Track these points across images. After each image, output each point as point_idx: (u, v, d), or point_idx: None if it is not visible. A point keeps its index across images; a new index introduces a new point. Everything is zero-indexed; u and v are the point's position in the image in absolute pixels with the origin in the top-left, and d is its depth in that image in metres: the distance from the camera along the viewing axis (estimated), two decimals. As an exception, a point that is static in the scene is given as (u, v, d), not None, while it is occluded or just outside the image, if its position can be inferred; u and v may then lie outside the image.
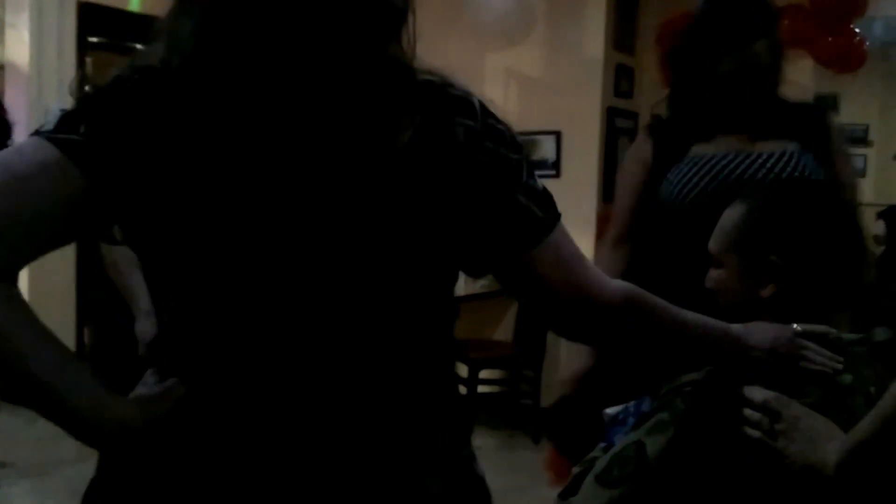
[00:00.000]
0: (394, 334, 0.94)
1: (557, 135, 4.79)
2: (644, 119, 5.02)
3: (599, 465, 1.23)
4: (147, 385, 0.95)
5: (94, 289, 4.92)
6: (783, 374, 1.19)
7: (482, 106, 0.95)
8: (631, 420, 1.36)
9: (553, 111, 4.77)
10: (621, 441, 1.25)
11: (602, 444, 1.36)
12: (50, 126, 0.87)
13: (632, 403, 1.41)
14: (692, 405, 1.20)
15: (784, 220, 1.28)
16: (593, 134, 4.73)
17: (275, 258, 0.88)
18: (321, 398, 0.91)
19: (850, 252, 1.30)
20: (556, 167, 4.78)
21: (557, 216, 0.99)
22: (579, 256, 1.01)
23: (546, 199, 0.98)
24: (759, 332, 1.21)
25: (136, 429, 0.89)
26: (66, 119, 0.87)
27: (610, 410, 1.43)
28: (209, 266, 0.89)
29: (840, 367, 1.20)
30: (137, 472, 0.95)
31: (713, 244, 1.35)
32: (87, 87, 0.92)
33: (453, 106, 0.92)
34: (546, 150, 4.80)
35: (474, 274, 1.01)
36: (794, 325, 1.22)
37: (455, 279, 0.99)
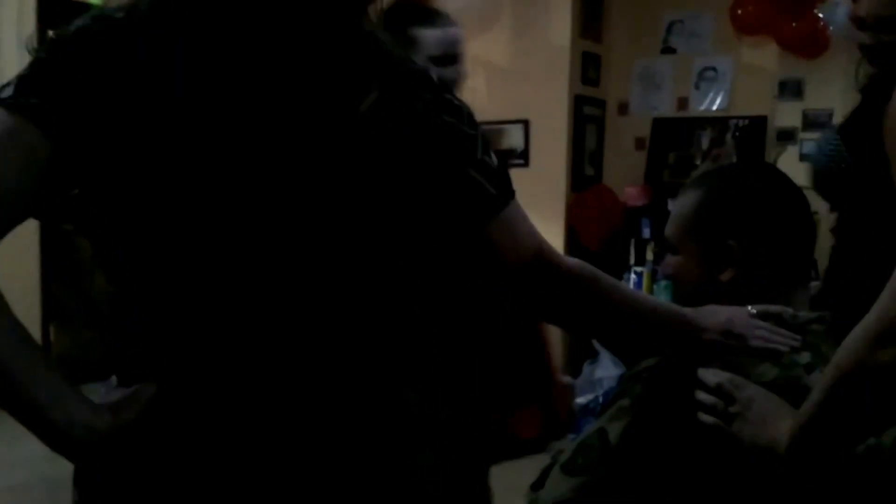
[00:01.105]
0: (359, 315, 0.93)
1: (525, 123, 4.79)
2: (612, 106, 5.03)
3: (565, 454, 1.23)
4: (111, 390, 0.92)
5: (60, 286, 4.88)
6: (738, 356, 1.20)
7: (440, 80, 0.96)
8: (598, 407, 1.37)
9: (521, 100, 4.76)
10: (586, 429, 1.25)
11: (572, 437, 1.36)
12: (9, 92, 0.84)
13: (601, 392, 1.42)
14: (647, 390, 1.21)
15: (738, 204, 1.29)
16: (561, 122, 4.73)
17: (235, 224, 0.87)
18: (291, 381, 0.91)
19: (804, 231, 1.31)
20: (524, 156, 4.78)
21: (511, 193, 0.99)
22: (533, 233, 1.03)
23: (500, 177, 0.98)
24: (713, 315, 1.22)
25: (104, 434, 0.84)
26: (24, 82, 0.85)
27: (580, 400, 1.44)
28: (172, 230, 0.87)
29: (797, 344, 1.21)
30: (114, 478, 0.92)
31: (669, 231, 1.35)
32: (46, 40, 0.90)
33: (413, 78, 0.94)
34: (514, 139, 4.79)
35: (435, 254, 1.01)
36: (749, 307, 1.23)
37: (419, 256, 0.99)
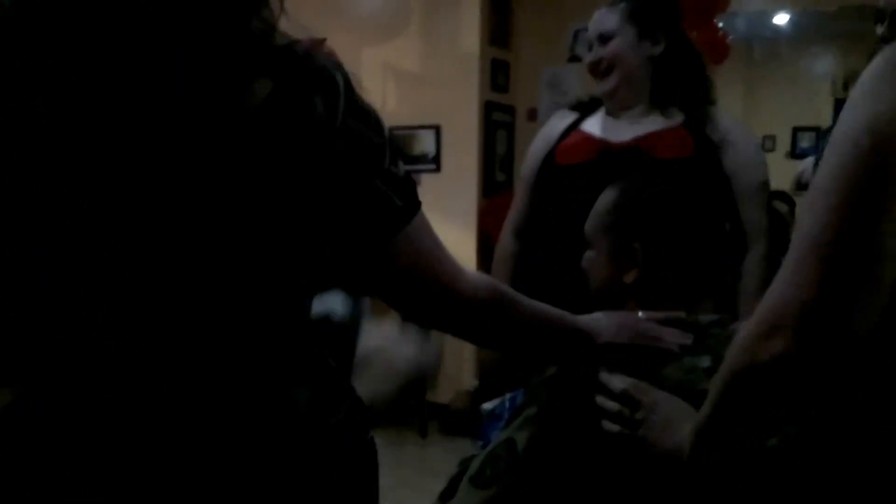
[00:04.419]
0: (242, 315, 0.88)
1: (437, 129, 4.80)
2: (521, 113, 5.09)
3: (474, 465, 1.23)
4: None
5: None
6: (640, 361, 1.22)
7: (347, 82, 0.89)
8: (506, 414, 1.38)
9: (431, 106, 4.77)
10: (494, 439, 1.25)
11: (479, 442, 1.36)
12: None
13: (507, 397, 1.42)
14: (548, 398, 1.22)
15: (645, 207, 1.32)
16: (472, 128, 4.75)
17: (106, 226, 0.82)
18: (166, 382, 0.86)
19: (709, 240, 1.34)
20: (436, 161, 4.79)
21: (417, 205, 0.96)
22: (439, 248, 1.00)
23: (407, 187, 0.95)
24: (604, 321, 1.25)
25: None
26: None
27: (487, 405, 1.44)
28: (37, 229, 0.83)
29: (688, 341, 1.23)
30: None
31: (587, 226, 1.37)
32: None
33: (313, 77, 0.87)
34: (426, 144, 4.79)
35: (333, 270, 0.97)
36: (639, 313, 1.26)
37: (315, 262, 0.93)
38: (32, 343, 0.87)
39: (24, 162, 0.82)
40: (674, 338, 1.24)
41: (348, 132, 0.88)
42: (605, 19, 2.20)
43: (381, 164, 0.92)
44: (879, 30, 1.33)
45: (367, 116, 0.91)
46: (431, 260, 0.99)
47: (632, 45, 2.16)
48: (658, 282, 1.30)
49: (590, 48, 2.24)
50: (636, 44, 2.16)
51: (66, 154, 0.82)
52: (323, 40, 2.07)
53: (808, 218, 0.90)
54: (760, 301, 0.95)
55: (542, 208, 2.33)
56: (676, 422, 1.10)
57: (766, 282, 2.02)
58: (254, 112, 0.83)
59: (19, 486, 0.86)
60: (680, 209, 1.33)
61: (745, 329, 0.97)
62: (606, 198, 1.36)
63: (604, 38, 2.18)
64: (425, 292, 1.00)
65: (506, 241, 2.46)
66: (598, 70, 2.20)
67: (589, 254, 1.37)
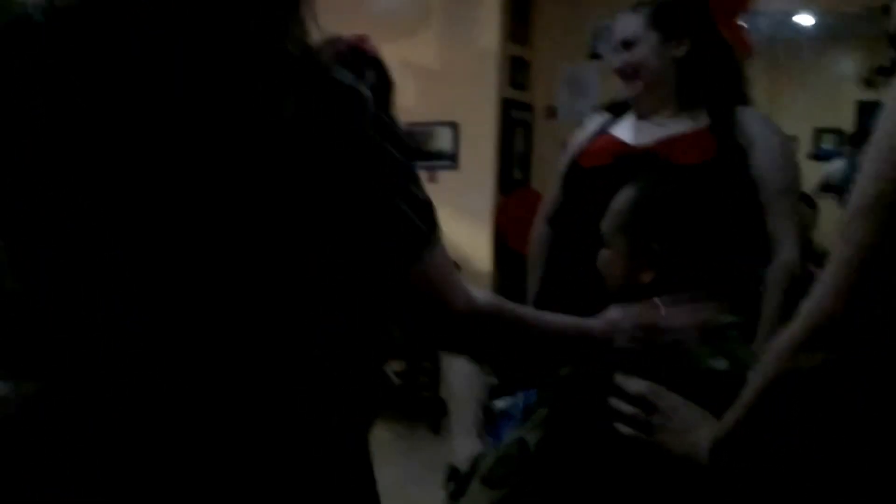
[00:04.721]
0: (264, 332, 0.88)
1: (454, 126, 4.79)
2: (539, 110, 5.07)
3: (485, 464, 1.22)
4: None
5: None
6: (655, 364, 1.20)
7: (373, 99, 0.88)
8: (519, 413, 1.36)
9: (450, 102, 4.76)
10: (506, 438, 1.24)
11: (491, 440, 1.35)
12: None
13: (520, 395, 1.41)
14: (559, 400, 1.21)
15: (664, 208, 1.30)
16: (490, 125, 4.74)
17: (136, 236, 0.83)
18: (184, 393, 0.86)
19: (726, 242, 1.33)
20: (453, 158, 4.78)
21: (438, 231, 0.94)
22: (452, 271, 0.98)
23: (429, 212, 0.93)
24: (621, 322, 1.23)
25: None
26: None
27: (499, 403, 1.43)
28: (72, 231, 0.83)
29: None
30: None
31: (604, 224, 1.36)
32: None
33: (340, 94, 0.87)
34: (443, 141, 4.79)
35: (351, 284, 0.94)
36: (660, 307, 1.24)
37: (333, 284, 0.92)
38: (36, 341, 0.87)
39: (37, 163, 0.82)
40: (691, 331, 1.22)
41: (372, 147, 0.87)
42: (627, 25, 2.19)
43: (405, 184, 0.90)
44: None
45: (393, 133, 0.90)
46: (446, 286, 0.97)
47: (655, 50, 2.14)
48: (674, 283, 1.28)
49: (615, 51, 2.23)
50: (660, 48, 2.14)
51: (78, 156, 0.82)
52: (366, 37, 2.07)
53: (851, 225, 0.89)
54: (801, 307, 0.94)
55: (567, 206, 2.33)
56: (694, 426, 1.09)
57: (788, 290, 2.01)
58: (280, 124, 0.83)
59: (21, 486, 0.86)
60: (696, 210, 1.31)
61: (784, 337, 0.96)
62: (623, 197, 1.35)
63: (627, 44, 2.17)
64: (436, 315, 0.98)
65: (538, 226, 2.50)
66: (625, 75, 2.19)
67: (604, 252, 1.36)
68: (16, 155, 0.83)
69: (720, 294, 1.33)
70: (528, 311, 1.11)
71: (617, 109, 2.35)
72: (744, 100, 2.20)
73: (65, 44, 0.83)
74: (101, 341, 0.86)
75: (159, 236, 0.83)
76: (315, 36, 0.90)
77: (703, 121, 2.12)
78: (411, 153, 0.92)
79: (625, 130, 2.25)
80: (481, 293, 1.03)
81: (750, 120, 2.12)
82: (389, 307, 0.99)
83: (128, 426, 0.86)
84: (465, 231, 4.53)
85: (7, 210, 0.85)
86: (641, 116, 2.22)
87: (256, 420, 0.89)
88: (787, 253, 2.04)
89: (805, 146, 5.58)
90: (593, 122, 2.39)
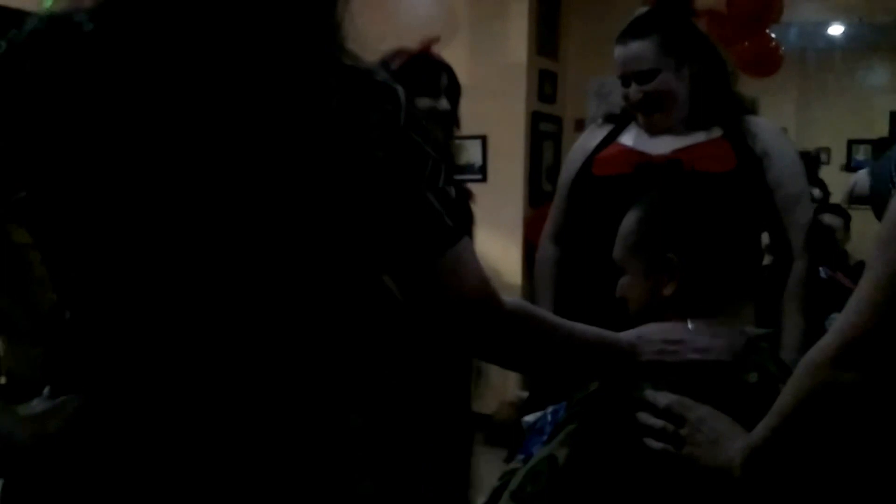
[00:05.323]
0: (303, 332, 0.90)
1: (483, 139, 4.80)
2: (568, 123, 5.06)
3: (515, 480, 1.21)
4: (41, 402, 0.90)
5: (9, 301, 4.77)
6: (685, 377, 1.19)
7: (409, 98, 0.91)
8: (548, 428, 1.36)
9: (478, 116, 4.74)
10: (536, 454, 1.24)
11: (521, 456, 1.35)
12: None
13: (549, 410, 1.41)
14: (587, 415, 1.20)
15: (675, 216, 1.30)
16: (519, 138, 4.74)
17: (166, 242, 0.85)
18: (224, 400, 0.88)
19: (743, 243, 1.32)
20: (482, 171, 4.79)
21: (466, 228, 0.96)
22: (480, 272, 0.99)
23: (458, 210, 0.94)
24: (649, 336, 1.22)
25: (25, 445, 0.84)
26: None
27: (528, 418, 1.42)
28: (111, 242, 0.86)
29: (738, 349, 1.21)
30: (39, 489, 0.89)
31: (615, 253, 1.36)
32: None
33: (375, 91, 0.89)
34: (472, 154, 4.79)
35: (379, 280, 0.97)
36: (688, 324, 1.24)
37: (363, 277, 0.94)
38: (108, 353, 0.89)
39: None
40: (722, 349, 1.21)
41: (406, 143, 0.89)
42: (639, 56, 2.13)
43: (436, 180, 0.92)
44: None
45: (425, 132, 0.92)
46: (477, 282, 0.97)
47: (675, 75, 2.12)
48: (696, 292, 1.28)
49: (625, 85, 2.18)
50: (678, 72, 2.12)
51: (124, 163, 0.84)
52: (430, 41, 2.10)
53: (890, 243, 0.88)
54: (838, 319, 0.93)
55: (579, 218, 2.30)
56: (724, 439, 1.08)
57: (807, 297, 2.03)
58: (318, 125, 0.85)
59: (90, 484, 0.87)
60: (713, 217, 1.31)
61: (818, 350, 0.95)
62: (628, 220, 1.35)
63: (644, 76, 2.12)
64: (470, 313, 0.98)
65: (544, 246, 2.44)
66: (648, 106, 2.15)
67: (623, 280, 1.35)
68: (56, 161, 0.84)
69: (743, 299, 1.33)
70: (556, 318, 1.11)
71: (618, 120, 2.32)
72: (750, 111, 2.20)
73: (109, 48, 0.85)
74: (136, 349, 0.87)
75: (205, 231, 0.85)
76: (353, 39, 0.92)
77: (715, 132, 2.12)
78: (445, 152, 0.93)
79: (637, 141, 2.22)
80: (511, 298, 1.04)
81: (760, 129, 2.13)
82: (416, 302, 0.99)
83: (136, 425, 0.87)
84: (495, 244, 4.52)
85: (45, 220, 0.87)
86: (653, 134, 2.20)
87: (261, 420, 0.90)
88: (804, 260, 2.06)
89: (838, 158, 5.53)
90: (597, 132, 2.35)
